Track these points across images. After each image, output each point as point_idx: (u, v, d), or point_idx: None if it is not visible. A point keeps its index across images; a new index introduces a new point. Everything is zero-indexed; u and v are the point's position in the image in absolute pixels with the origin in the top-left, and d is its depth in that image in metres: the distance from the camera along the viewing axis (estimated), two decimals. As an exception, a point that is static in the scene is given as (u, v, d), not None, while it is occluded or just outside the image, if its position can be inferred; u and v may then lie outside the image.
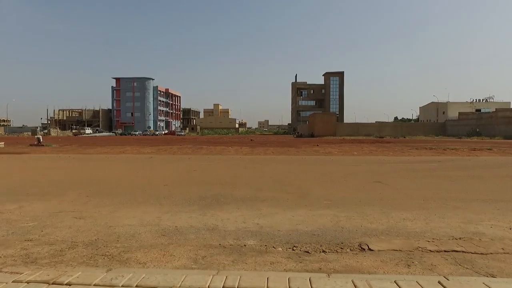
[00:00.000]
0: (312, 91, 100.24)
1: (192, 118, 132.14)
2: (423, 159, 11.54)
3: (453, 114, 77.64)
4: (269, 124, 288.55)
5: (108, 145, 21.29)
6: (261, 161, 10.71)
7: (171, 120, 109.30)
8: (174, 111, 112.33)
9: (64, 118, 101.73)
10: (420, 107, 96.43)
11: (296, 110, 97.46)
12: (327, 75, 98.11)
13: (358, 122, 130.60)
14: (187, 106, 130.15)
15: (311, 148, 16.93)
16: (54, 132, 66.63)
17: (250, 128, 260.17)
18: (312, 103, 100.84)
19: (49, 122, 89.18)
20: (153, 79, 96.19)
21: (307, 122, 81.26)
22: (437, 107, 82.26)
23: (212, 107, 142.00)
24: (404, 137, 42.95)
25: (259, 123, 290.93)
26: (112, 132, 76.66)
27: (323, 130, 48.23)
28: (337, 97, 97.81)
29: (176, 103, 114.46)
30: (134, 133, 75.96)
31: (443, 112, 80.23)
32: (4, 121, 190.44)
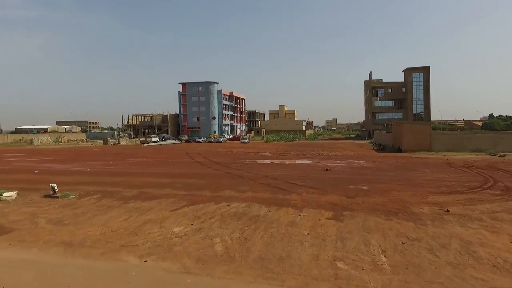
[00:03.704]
0: (390, 90, 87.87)
1: (257, 121, 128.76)
2: None
3: None
4: (338, 123, 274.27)
5: (145, 182, 16.80)
6: None
7: (236, 123, 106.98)
8: (238, 115, 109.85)
9: (137, 123, 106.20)
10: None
11: (372, 112, 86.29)
12: (408, 71, 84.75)
13: (452, 124, 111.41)
14: (252, 108, 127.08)
15: (443, 224, 9.75)
16: (123, 140, 67.92)
17: (316, 127, 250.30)
18: (390, 103, 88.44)
19: (120, 131, 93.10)
20: (217, 83, 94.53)
21: (390, 127, 70.32)
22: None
23: (277, 108, 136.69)
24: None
25: (327, 122, 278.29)
26: (177, 139, 76.24)
27: (413, 143, 38.71)
28: (421, 96, 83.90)
29: (241, 106, 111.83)
30: (198, 140, 74.51)
31: None
32: (92, 123, 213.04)
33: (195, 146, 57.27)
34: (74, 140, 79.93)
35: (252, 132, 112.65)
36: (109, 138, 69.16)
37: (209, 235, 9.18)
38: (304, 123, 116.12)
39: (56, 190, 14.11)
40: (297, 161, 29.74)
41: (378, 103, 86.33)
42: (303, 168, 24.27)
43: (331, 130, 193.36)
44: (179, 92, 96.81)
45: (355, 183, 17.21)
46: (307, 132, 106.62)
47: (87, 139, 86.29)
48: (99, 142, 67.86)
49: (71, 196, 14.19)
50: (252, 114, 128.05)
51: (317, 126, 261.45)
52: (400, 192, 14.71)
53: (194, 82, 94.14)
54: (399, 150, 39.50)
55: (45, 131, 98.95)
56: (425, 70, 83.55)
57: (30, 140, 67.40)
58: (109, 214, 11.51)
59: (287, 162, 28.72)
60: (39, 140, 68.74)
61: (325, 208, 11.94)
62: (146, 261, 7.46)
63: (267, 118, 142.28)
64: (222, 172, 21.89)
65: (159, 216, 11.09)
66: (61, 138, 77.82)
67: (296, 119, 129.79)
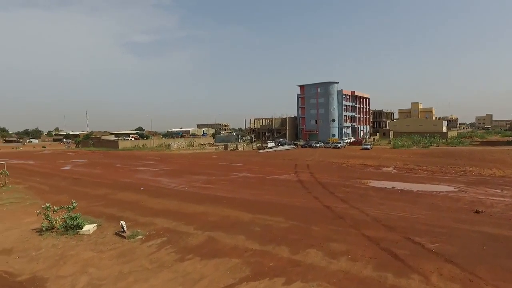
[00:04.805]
0: None
1: (384, 121, 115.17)
2: None
3: None
4: (493, 119, 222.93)
5: (224, 218, 14.36)
6: None
7: (358, 125, 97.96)
8: (361, 115, 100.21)
9: (258, 126, 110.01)
10: None
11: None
12: None
13: None
14: (379, 108, 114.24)
15: None
16: (241, 146, 70.25)
17: (463, 125, 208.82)
18: None
19: (244, 133, 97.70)
20: (337, 83, 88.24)
21: None
22: None
23: (409, 106, 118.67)
24: None
25: (477, 118, 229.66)
26: (293, 144, 74.18)
27: None
28: None
29: (364, 106, 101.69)
30: (315, 145, 70.67)
31: None
32: (224, 125, 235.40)
33: (309, 153, 53.67)
34: (203, 144, 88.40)
35: (378, 134, 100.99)
36: (229, 144, 72.92)
37: None
38: (444, 123, 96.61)
39: (125, 229, 12.99)
40: (430, 186, 22.32)
41: None
42: (437, 204, 17.35)
43: (483, 129, 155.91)
44: (297, 94, 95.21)
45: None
46: (449, 133, 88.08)
47: (214, 143, 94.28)
48: (221, 147, 72.28)
49: (138, 237, 12.81)
50: (378, 114, 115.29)
51: (464, 124, 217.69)
52: None
53: (312, 84, 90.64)
54: None
55: (182, 136, 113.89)
56: None
57: (168, 145, 77.76)
58: (151, 281, 9.17)
59: (415, 189, 21.76)
60: (175, 145, 78.55)
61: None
62: None
63: (396, 117, 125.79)
64: (320, 205, 17.50)
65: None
66: (193, 143, 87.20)
67: (433, 118, 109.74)
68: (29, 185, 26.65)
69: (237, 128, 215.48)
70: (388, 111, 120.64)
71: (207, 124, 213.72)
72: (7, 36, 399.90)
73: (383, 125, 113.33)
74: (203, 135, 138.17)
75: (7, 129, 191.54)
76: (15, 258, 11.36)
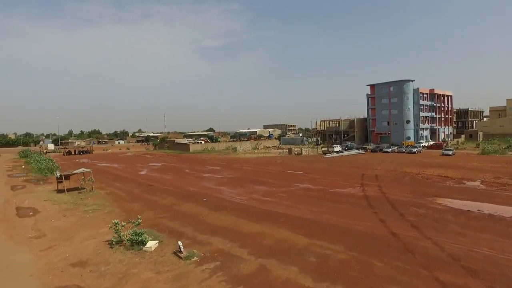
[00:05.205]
0: None
1: (470, 121, 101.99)
2: None
3: None
4: None
5: (279, 241, 13.91)
6: None
7: (438, 126, 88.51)
8: (442, 115, 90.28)
9: (325, 128, 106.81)
10: None
11: None
12: None
13: None
14: (464, 106, 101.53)
15: None
16: (306, 149, 68.82)
17: None
18: None
19: (310, 135, 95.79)
20: (412, 81, 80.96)
21: None
22: None
23: (504, 104, 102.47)
24: None
25: None
26: (362, 149, 69.99)
27: None
28: None
29: (446, 105, 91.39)
30: (386, 149, 65.70)
31: None
32: (290, 126, 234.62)
33: (379, 160, 49.94)
34: (268, 147, 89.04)
35: (463, 136, 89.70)
36: (293, 147, 71.99)
37: None
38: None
39: (181, 250, 13.40)
40: (530, 212, 18.58)
41: None
42: (539, 238, 14.26)
43: None
44: (367, 94, 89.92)
45: None
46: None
47: (279, 145, 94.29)
48: (285, 151, 71.78)
49: (194, 259, 13.08)
50: (463, 113, 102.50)
51: None
52: None
53: (384, 83, 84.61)
54: None
55: (248, 138, 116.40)
56: None
57: (234, 148, 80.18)
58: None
59: (508, 214, 18.35)
60: (241, 148, 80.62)
61: None
62: None
63: (486, 116, 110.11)
64: (386, 231, 15.80)
65: None
66: (258, 146, 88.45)
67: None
68: (110, 191, 29.77)
69: (303, 128, 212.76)
70: (476, 110, 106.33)
71: (273, 125, 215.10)
72: (101, 48, 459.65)
73: (469, 126, 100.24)
74: (269, 136, 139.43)
75: (100, 131, 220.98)
76: (88, 272, 12.52)
